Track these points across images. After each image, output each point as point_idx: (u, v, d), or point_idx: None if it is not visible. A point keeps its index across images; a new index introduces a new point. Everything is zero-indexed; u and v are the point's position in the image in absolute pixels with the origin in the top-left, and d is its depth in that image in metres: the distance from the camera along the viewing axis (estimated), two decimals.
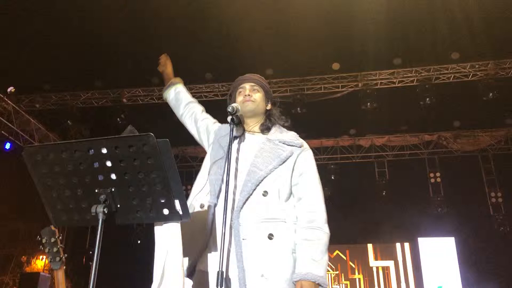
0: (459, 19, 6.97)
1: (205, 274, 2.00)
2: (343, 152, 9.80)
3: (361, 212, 9.25)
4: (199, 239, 2.03)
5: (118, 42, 7.18)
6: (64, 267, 1.93)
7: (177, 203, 1.56)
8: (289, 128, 2.37)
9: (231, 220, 1.97)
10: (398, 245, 9.82)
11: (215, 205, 2.07)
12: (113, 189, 1.55)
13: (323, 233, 2.04)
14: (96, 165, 1.53)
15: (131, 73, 8.16)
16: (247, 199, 1.99)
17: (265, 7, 6.73)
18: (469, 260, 9.08)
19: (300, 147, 2.20)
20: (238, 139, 2.24)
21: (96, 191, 1.56)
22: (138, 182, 1.53)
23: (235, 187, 2.05)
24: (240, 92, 2.35)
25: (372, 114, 8.40)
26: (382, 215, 9.25)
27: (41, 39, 7.28)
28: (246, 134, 2.29)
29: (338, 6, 6.86)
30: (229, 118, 2.13)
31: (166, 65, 2.71)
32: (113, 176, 1.54)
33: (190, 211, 2.04)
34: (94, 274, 1.50)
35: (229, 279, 1.88)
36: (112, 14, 6.84)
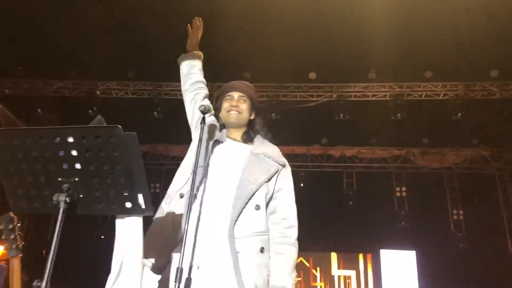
0: (434, 39, 7.18)
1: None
2: (314, 160, 9.90)
3: (327, 221, 9.36)
4: (176, 232, 2.05)
5: (94, 32, 7.09)
6: (21, 255, 1.90)
7: (140, 197, 1.57)
8: (270, 141, 2.42)
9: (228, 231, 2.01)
10: (361, 255, 9.97)
11: (195, 197, 2.09)
12: (76, 179, 1.55)
13: (296, 249, 2.15)
14: (61, 153, 1.52)
15: (106, 66, 8.05)
16: (240, 212, 2.04)
17: (245, 11, 6.76)
18: (428, 274, 9.29)
19: (283, 165, 2.29)
20: (220, 144, 2.27)
21: (60, 179, 1.55)
22: (103, 173, 1.53)
23: (224, 197, 2.08)
24: (227, 99, 2.38)
25: (344, 125, 8.54)
26: (348, 225, 9.38)
27: (16, 24, 7.12)
28: (229, 141, 2.31)
29: (319, 17, 6.96)
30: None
31: (199, 32, 2.55)
32: (78, 166, 1.53)
33: (171, 201, 2.11)
34: (51, 263, 1.49)
35: None
36: (93, 4, 6.76)
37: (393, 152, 9.76)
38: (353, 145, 9.73)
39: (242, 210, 2.05)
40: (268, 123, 7.96)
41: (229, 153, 2.27)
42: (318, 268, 9.91)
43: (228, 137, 2.33)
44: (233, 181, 2.13)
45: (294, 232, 2.18)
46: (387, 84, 8.34)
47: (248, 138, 2.36)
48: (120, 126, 1.46)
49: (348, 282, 9.78)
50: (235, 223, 2.02)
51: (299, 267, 9.88)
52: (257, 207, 2.09)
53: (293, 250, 2.14)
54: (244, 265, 1.97)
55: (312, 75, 8.24)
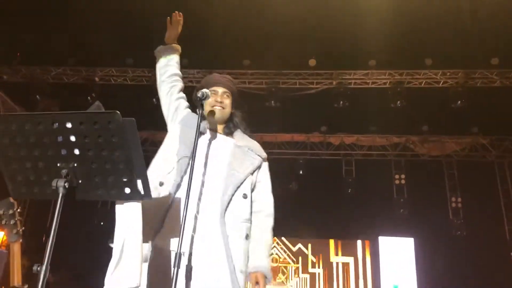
0: (435, 27, 7.14)
1: (165, 252, 2.06)
2: (313, 148, 9.91)
3: (326, 208, 9.39)
4: (157, 217, 2.10)
5: (94, 19, 7.04)
6: (21, 241, 1.91)
7: (139, 182, 1.57)
8: (250, 136, 2.52)
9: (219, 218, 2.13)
10: (359, 242, 10.03)
11: (179, 185, 2.15)
12: (75, 164, 1.55)
13: (272, 236, 2.33)
14: (59, 139, 1.52)
15: (105, 52, 8.01)
16: (230, 200, 2.16)
17: None
18: (426, 261, 9.35)
19: (264, 159, 2.43)
20: (203, 135, 2.33)
21: (58, 165, 1.55)
22: (101, 159, 1.53)
23: (213, 185, 2.19)
24: (212, 94, 2.42)
25: (344, 113, 8.52)
26: (346, 212, 9.41)
27: (13, 10, 7.07)
28: (211, 133, 2.38)
29: (319, 4, 6.92)
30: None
31: (179, 25, 2.56)
32: (76, 151, 1.53)
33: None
34: (50, 248, 1.50)
35: (218, 273, 2.04)
36: None
37: (393, 139, 9.75)
38: (353, 132, 9.72)
39: (231, 198, 2.17)
40: (268, 110, 7.95)
41: (213, 144, 2.34)
42: (316, 255, 9.97)
43: (210, 129, 2.40)
44: (221, 170, 2.23)
45: (271, 221, 2.35)
46: (387, 72, 8.30)
47: (229, 131, 2.45)
48: (118, 112, 1.45)
49: (346, 268, 9.86)
50: (226, 210, 2.14)
51: (297, 253, 9.96)
52: (245, 196, 2.22)
53: (270, 237, 2.30)
54: (233, 250, 2.10)
55: (312, 62, 8.20)
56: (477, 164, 9.73)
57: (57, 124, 1.50)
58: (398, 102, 8.12)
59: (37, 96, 8.56)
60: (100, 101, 1.77)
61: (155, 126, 9.51)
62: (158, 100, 8.26)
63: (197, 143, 1.99)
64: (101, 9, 6.87)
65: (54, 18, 7.18)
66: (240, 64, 8.38)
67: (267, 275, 2.18)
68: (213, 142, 2.34)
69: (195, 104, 2.31)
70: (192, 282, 1.96)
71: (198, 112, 2.10)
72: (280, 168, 9.97)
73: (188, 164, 2.14)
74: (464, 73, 8.14)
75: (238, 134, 2.47)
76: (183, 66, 8.55)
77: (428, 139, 9.60)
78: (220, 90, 2.45)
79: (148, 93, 8.49)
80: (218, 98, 2.42)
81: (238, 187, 2.20)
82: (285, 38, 7.34)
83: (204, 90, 2.19)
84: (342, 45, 7.55)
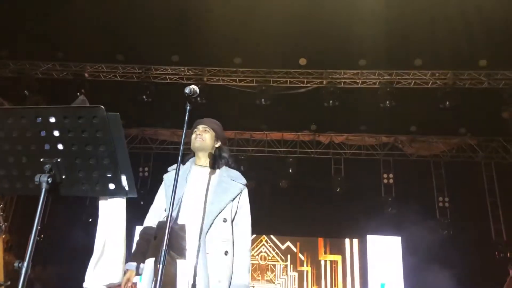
0: (424, 28, 7.18)
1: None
2: (303, 146, 9.93)
3: (315, 207, 9.42)
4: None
5: (84, 14, 6.98)
6: (4, 236, 1.89)
7: (123, 178, 1.56)
8: (235, 166, 2.97)
9: (200, 237, 2.54)
10: (347, 240, 10.08)
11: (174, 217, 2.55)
12: (59, 159, 1.53)
13: (250, 254, 2.75)
14: (43, 133, 1.51)
15: (95, 48, 7.95)
16: (212, 223, 2.57)
17: None
18: (413, 259, 9.41)
19: (244, 185, 2.82)
20: (190, 171, 2.79)
21: (41, 160, 1.53)
22: (85, 154, 1.52)
23: (197, 211, 2.61)
24: (195, 131, 2.89)
25: (333, 112, 8.55)
26: (335, 211, 9.45)
27: (3, 4, 6.99)
28: (198, 168, 2.82)
29: (310, 3, 6.92)
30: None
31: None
32: (60, 146, 1.52)
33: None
34: (33, 244, 1.49)
35: (196, 282, 2.41)
36: None
37: (382, 139, 9.82)
38: (342, 132, 9.76)
39: (213, 221, 2.58)
40: (258, 108, 7.94)
41: (200, 177, 2.77)
42: (305, 253, 10.01)
43: (197, 164, 2.85)
44: (207, 199, 2.67)
45: (249, 242, 2.76)
46: (377, 72, 8.34)
47: (214, 162, 2.86)
48: (102, 107, 1.44)
49: (335, 267, 9.90)
50: (207, 231, 2.54)
51: (286, 251, 9.98)
52: (225, 220, 2.65)
53: (249, 255, 2.72)
54: (211, 264, 2.48)
55: (303, 61, 8.22)
56: (464, 165, 9.82)
57: (40, 118, 1.48)
58: (387, 102, 8.15)
59: (26, 92, 8.46)
60: (89, 97, 1.76)
61: (144, 123, 9.50)
62: (147, 97, 8.20)
63: (182, 153, 2.21)
64: (91, 4, 6.82)
65: (42, 13, 7.11)
66: (231, 62, 8.37)
67: None
68: (200, 175, 2.77)
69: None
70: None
71: (186, 109, 2.22)
72: (269, 166, 10.00)
73: (182, 194, 2.64)
74: (452, 74, 8.20)
75: (224, 167, 2.86)
76: (174, 63, 8.48)
77: (416, 139, 9.68)
78: (200, 126, 2.88)
79: (138, 90, 8.45)
80: (198, 132, 2.85)
81: (219, 213, 2.61)
82: (276, 37, 7.34)
83: (192, 86, 2.28)
84: (332, 45, 7.56)
